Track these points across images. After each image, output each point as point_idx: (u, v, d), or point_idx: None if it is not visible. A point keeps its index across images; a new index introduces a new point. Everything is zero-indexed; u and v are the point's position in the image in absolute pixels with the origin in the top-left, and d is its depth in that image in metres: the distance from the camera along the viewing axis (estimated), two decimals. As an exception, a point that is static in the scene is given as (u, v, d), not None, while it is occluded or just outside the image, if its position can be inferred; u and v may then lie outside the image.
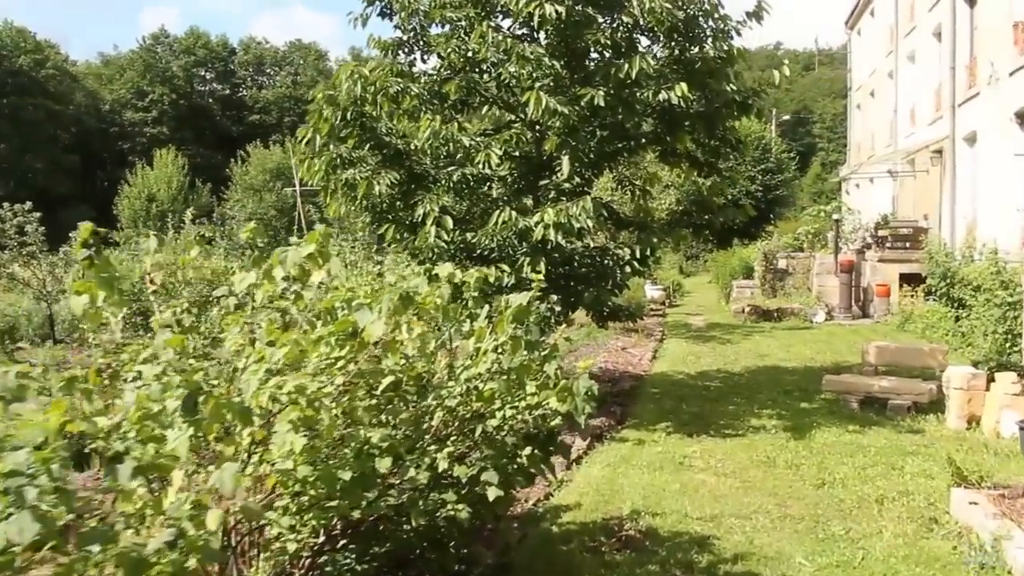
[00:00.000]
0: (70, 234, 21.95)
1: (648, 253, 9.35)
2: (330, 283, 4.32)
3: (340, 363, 3.89)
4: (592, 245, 10.22)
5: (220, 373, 4.32)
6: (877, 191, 32.60)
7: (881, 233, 24.70)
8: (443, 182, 9.96)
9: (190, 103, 79.06)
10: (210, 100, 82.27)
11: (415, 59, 10.41)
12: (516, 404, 4.68)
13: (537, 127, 9.74)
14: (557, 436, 4.98)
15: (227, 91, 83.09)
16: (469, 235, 9.40)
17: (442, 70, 10.32)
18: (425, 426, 4.58)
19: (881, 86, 32.64)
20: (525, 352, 4.47)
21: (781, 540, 6.19)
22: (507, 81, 9.61)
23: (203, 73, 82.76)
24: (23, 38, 70.53)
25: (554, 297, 8.99)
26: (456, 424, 4.64)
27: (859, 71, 38.26)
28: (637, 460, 8.53)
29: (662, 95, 8.94)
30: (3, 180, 60.14)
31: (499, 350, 4.49)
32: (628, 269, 9.30)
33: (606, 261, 9.58)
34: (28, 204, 20.00)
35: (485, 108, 10.60)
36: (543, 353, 4.68)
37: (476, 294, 5.27)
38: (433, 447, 4.57)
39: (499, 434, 4.66)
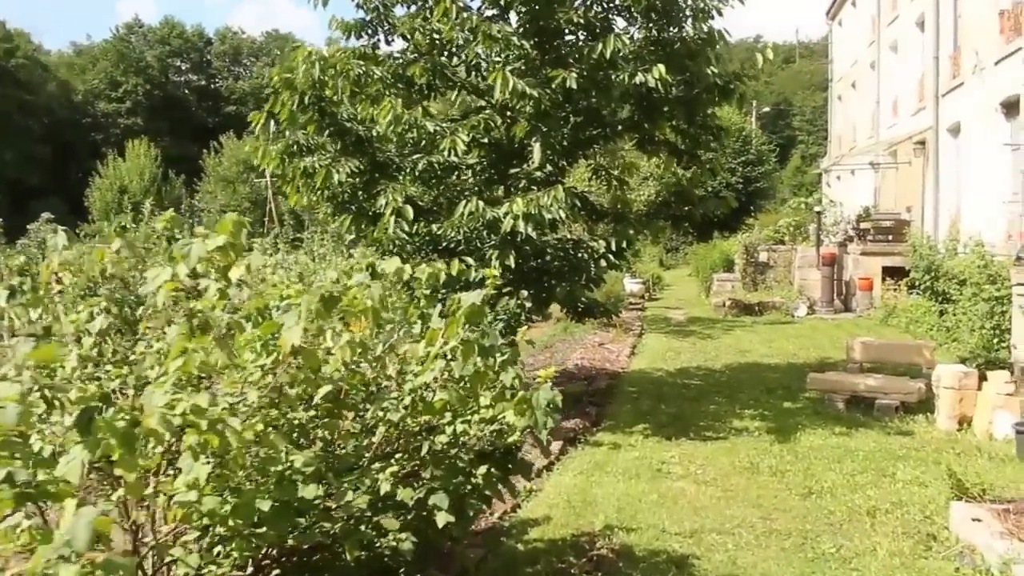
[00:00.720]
0: (28, 226, 21.20)
1: (624, 246, 8.79)
2: (253, 280, 3.77)
3: (256, 375, 3.34)
4: (568, 237, 9.67)
5: (130, 382, 3.78)
6: (858, 183, 32.22)
7: (863, 226, 24.30)
8: (408, 171, 9.40)
9: (165, 94, 77.79)
10: (185, 91, 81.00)
11: (379, 41, 9.81)
12: (469, 418, 4.13)
13: (508, 112, 9.17)
14: (516, 453, 4.42)
15: (203, 82, 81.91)
16: (435, 227, 8.84)
17: (408, 53, 9.75)
18: (365, 443, 4.03)
19: (863, 77, 32.25)
20: (479, 358, 3.91)
21: (767, 559, 5.67)
22: (475, 63, 9.05)
23: (178, 64, 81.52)
24: (-8, 27, 69.15)
25: (524, 293, 8.47)
26: (401, 440, 4.09)
27: (840, 62, 37.87)
28: (612, 466, 8.00)
29: (639, 78, 8.38)
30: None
31: (449, 356, 3.93)
32: (603, 263, 8.73)
33: (580, 254, 9.02)
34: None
35: (454, 93, 10.02)
36: (501, 359, 4.10)
37: (429, 292, 4.73)
38: (375, 466, 4.02)
39: (450, 451, 4.12)
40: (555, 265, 9.45)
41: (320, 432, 3.95)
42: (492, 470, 4.17)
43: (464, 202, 8.08)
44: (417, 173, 9.29)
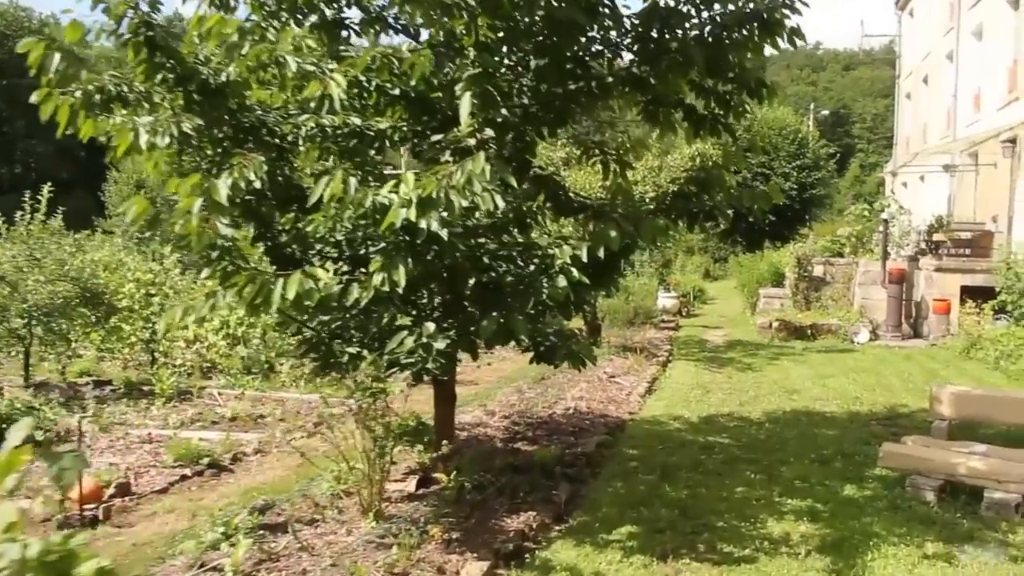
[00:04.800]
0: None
1: (600, 255, 5.57)
2: None
3: None
4: (518, 241, 6.46)
5: None
6: (929, 190, 28.48)
7: (936, 238, 20.73)
8: (289, 137, 6.33)
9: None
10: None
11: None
12: None
13: (440, 48, 6.04)
14: None
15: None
16: (303, 224, 5.75)
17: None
18: None
19: (937, 70, 28.51)
20: None
21: None
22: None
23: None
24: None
25: (431, 327, 5.33)
26: None
27: (910, 56, 34.08)
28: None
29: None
30: (8, 165, 58.09)
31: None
32: (562, 280, 5.48)
33: (530, 266, 5.83)
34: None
35: (371, 30, 6.88)
36: None
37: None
38: None
39: None
40: (488, 282, 6.28)
41: None
42: None
43: (326, 179, 4.96)
44: (300, 141, 6.21)
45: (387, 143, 6.61)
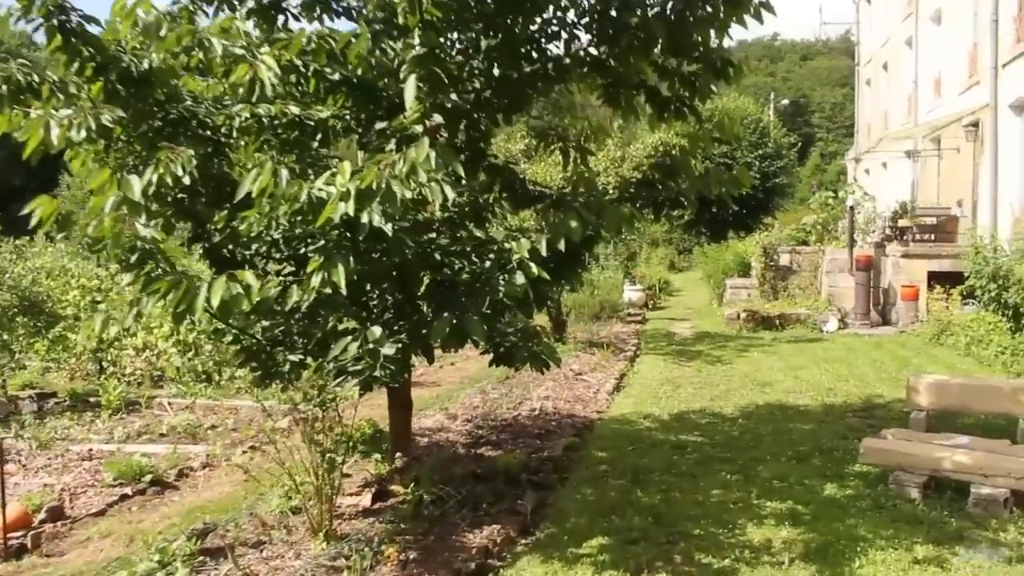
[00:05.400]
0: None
1: (561, 247, 5.12)
2: None
3: None
4: (475, 236, 5.99)
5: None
6: (892, 176, 28.41)
7: (901, 224, 20.57)
8: (223, 129, 5.84)
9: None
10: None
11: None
12: None
13: (378, 26, 5.57)
14: None
15: None
16: (236, 222, 5.27)
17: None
18: None
19: (897, 56, 28.40)
20: None
21: None
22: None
23: None
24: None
25: (377, 331, 4.87)
26: None
27: (869, 43, 34.00)
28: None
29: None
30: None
31: None
32: (520, 277, 5.03)
33: (486, 262, 5.39)
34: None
35: (312, 13, 6.38)
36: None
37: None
38: None
39: None
40: (441, 281, 5.81)
41: None
42: None
43: (254, 172, 4.49)
44: (234, 133, 5.73)
45: (331, 134, 6.14)
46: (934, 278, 17.81)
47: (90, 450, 8.85)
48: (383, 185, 4.30)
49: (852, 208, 20.74)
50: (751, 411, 10.16)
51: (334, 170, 4.47)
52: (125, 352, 13.59)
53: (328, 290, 4.57)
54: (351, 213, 4.38)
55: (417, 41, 5.18)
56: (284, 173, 4.49)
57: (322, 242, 4.86)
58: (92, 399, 11.39)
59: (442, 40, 5.51)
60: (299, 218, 4.70)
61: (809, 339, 17.00)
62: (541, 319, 14.04)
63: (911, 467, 6.87)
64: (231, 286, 4.19)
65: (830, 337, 17.24)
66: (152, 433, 9.80)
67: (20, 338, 12.82)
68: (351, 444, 6.41)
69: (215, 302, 4.12)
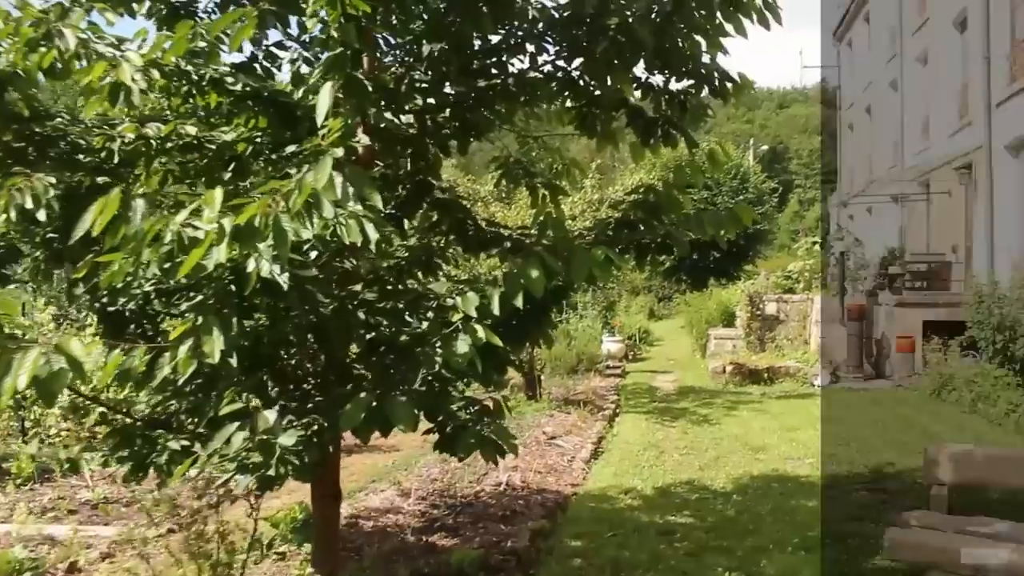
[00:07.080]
0: None
1: (520, 303, 3.95)
2: None
3: None
4: (410, 288, 4.79)
5: None
6: (877, 221, 27.54)
7: (892, 270, 19.62)
8: (103, 154, 4.67)
9: None
10: None
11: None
12: None
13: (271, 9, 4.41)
14: None
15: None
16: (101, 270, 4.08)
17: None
18: None
19: (881, 100, 27.73)
20: None
21: None
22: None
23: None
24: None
25: (268, 418, 3.65)
26: None
27: (850, 87, 33.47)
28: None
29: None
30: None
31: None
32: (463, 344, 3.80)
33: (423, 322, 4.19)
34: None
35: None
36: None
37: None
38: None
39: None
40: (404, 342, 4.60)
41: None
42: None
43: (99, 202, 3.31)
44: (116, 157, 4.55)
45: (242, 162, 4.97)
46: (930, 328, 16.77)
47: (-23, 535, 7.52)
48: (270, 222, 3.13)
49: (843, 254, 19.77)
50: (746, 483, 8.96)
51: (198, 203, 3.30)
52: (51, 412, 12.27)
53: (209, 361, 3.39)
54: (231, 258, 3.21)
55: (335, 38, 4.03)
56: (139, 204, 3.32)
57: (199, 298, 3.66)
58: (6, 464, 10.10)
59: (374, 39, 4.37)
60: (168, 265, 3.51)
61: (800, 394, 15.88)
62: (512, 373, 12.84)
63: (949, 565, 5.68)
64: (52, 360, 3.00)
65: (822, 392, 16.12)
66: (60, 509, 8.50)
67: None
68: (265, 544, 5.16)
69: (22, 383, 2.93)
